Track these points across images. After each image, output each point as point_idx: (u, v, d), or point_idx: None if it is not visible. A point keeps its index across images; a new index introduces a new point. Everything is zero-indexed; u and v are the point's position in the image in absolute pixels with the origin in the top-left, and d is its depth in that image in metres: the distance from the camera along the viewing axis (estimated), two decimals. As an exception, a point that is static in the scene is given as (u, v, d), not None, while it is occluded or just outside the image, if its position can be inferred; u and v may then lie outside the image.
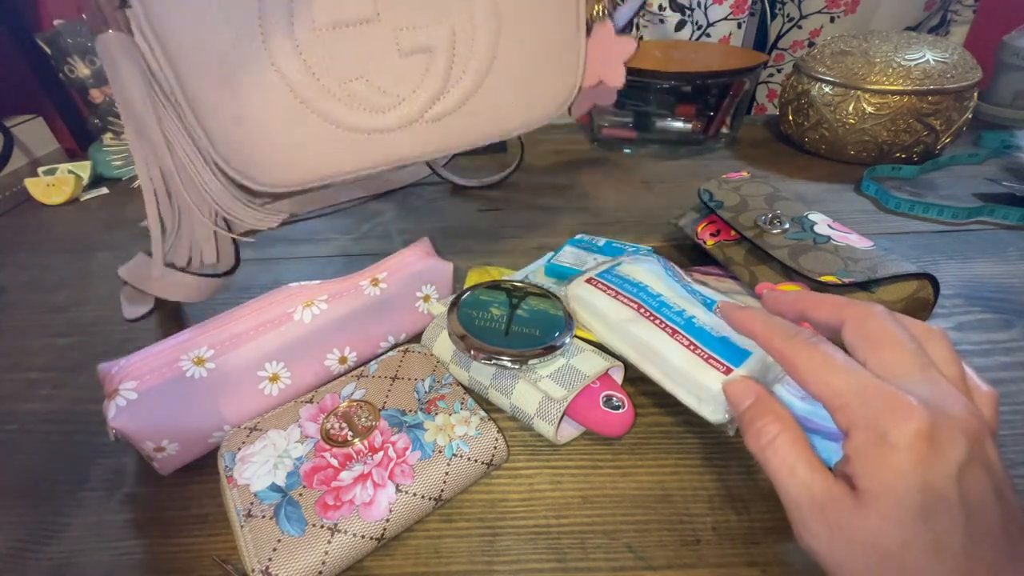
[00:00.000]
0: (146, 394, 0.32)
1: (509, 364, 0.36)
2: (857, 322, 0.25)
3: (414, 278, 0.42)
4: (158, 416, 0.32)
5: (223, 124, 0.33)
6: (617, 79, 0.43)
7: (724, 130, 0.77)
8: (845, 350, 0.24)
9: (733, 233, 0.47)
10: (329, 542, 0.28)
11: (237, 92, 0.33)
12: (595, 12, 0.41)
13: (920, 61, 0.65)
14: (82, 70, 0.80)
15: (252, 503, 0.29)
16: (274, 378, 0.36)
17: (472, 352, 0.36)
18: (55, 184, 0.69)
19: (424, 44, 0.36)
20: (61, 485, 0.34)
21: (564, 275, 0.47)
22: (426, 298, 0.43)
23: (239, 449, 0.32)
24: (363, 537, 0.29)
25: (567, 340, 0.37)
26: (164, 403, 0.32)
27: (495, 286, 0.41)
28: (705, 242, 0.48)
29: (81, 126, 0.86)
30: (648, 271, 0.40)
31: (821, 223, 0.44)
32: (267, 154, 0.35)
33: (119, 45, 0.30)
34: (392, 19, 0.34)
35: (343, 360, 0.39)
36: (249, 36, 0.32)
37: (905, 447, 0.20)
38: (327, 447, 0.32)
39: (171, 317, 0.48)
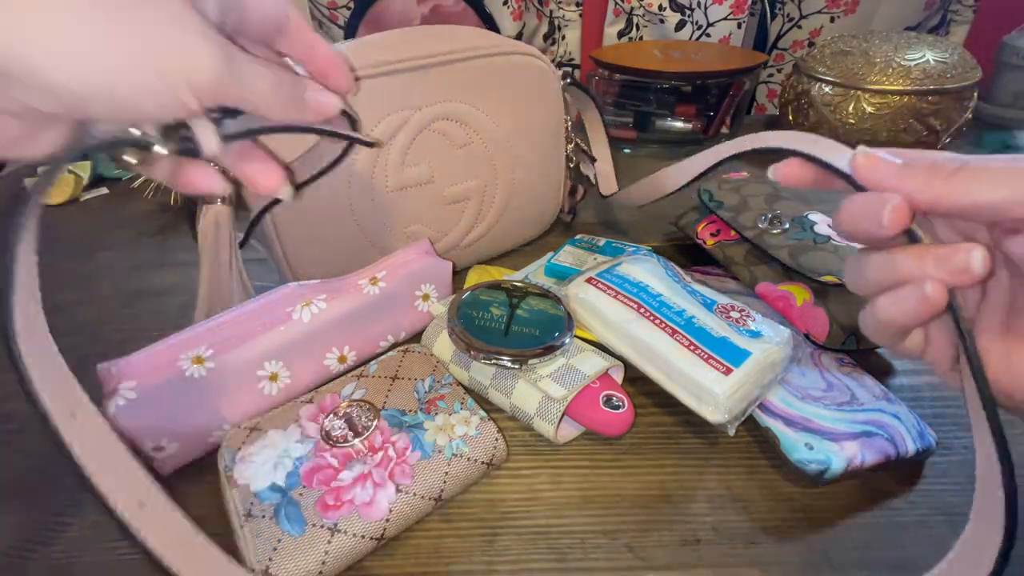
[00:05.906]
0: (146, 393, 0.31)
1: (509, 364, 0.36)
2: None
3: (413, 277, 0.42)
4: (158, 415, 0.32)
5: (303, 259, 0.44)
6: (566, 216, 0.59)
7: (724, 130, 0.77)
8: None
9: (733, 233, 0.47)
10: (329, 542, 0.28)
11: (324, 242, 0.43)
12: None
13: (920, 61, 0.65)
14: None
15: (252, 503, 0.29)
16: (273, 377, 0.36)
17: (472, 352, 0.36)
18: (55, 184, 0.69)
19: (463, 195, 0.47)
20: (61, 485, 0.34)
21: (564, 275, 0.47)
22: (425, 297, 0.43)
23: (239, 449, 0.32)
24: (363, 537, 0.29)
25: (567, 340, 0.37)
26: (163, 402, 0.32)
27: (495, 286, 0.41)
28: (705, 242, 0.48)
29: (81, 126, 0.86)
30: (648, 271, 0.40)
31: (821, 223, 0.44)
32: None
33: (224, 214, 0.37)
34: (441, 180, 0.46)
35: (342, 359, 0.39)
36: (341, 204, 0.43)
37: None
38: (327, 447, 0.32)
39: (171, 316, 0.48)
